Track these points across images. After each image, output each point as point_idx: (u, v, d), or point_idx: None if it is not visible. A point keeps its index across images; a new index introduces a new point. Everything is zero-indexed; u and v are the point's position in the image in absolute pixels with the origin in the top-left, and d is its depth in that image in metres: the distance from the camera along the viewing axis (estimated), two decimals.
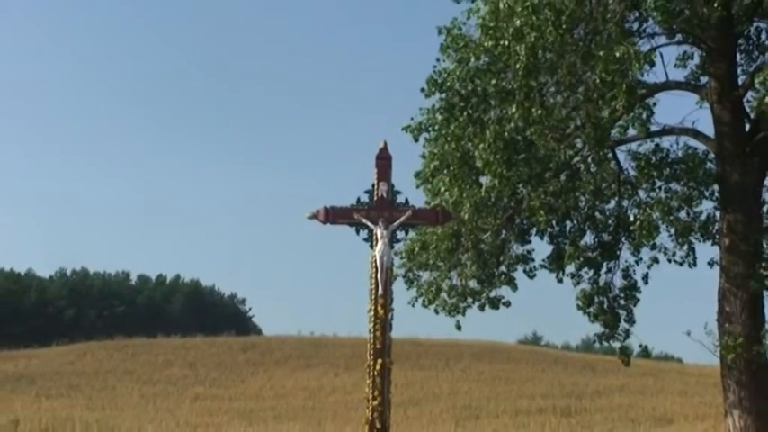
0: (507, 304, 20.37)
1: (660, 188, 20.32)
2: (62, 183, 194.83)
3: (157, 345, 72.90)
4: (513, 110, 18.35)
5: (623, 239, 20.68)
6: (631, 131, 19.24)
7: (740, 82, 19.84)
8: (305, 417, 34.09)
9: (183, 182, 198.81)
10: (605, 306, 20.79)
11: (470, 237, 19.67)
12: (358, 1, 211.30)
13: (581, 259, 20.68)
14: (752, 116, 19.54)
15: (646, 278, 20.78)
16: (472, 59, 18.58)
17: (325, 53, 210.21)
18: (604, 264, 20.85)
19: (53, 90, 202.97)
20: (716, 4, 17.33)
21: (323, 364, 63.38)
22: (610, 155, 20.43)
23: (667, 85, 20.30)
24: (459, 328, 20.67)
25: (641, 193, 20.38)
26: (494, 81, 18.50)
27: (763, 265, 19.40)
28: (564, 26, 17.35)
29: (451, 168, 19.09)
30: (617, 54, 17.18)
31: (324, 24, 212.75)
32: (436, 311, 20.43)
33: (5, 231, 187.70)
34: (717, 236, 20.09)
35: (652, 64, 19.27)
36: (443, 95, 19.18)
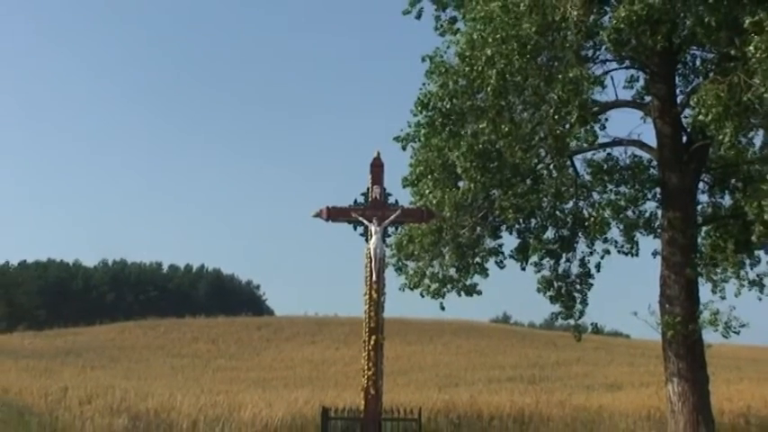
0: (479, 293, 20.38)
1: (611, 191, 20.45)
2: (104, 183, 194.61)
3: (185, 324, 72.71)
4: (486, 125, 18.37)
5: (579, 234, 20.69)
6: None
7: (678, 101, 19.88)
8: (310, 385, 34.01)
9: (206, 183, 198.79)
10: (563, 290, 20.84)
11: (450, 232, 19.66)
12: (366, 27, 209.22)
13: (543, 251, 20.71)
14: (688, 129, 19.58)
15: (598, 267, 20.82)
16: (451, 83, 18.60)
17: (338, 77, 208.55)
18: (563, 255, 20.87)
19: (95, 97, 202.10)
20: (659, 36, 17.36)
21: (326, 340, 63.31)
22: (568, 162, 20.44)
23: (617, 104, 20.36)
24: (443, 308, 20.67)
25: (595, 195, 20.48)
26: (469, 101, 18.50)
27: (698, 255, 19.47)
28: (529, 54, 17.34)
29: (434, 174, 19.11)
30: (571, 76, 17.25)
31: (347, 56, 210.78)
32: (421, 295, 20.41)
33: (58, 228, 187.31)
34: (658, 231, 20.16)
35: (603, 85, 19.34)
36: (428, 113, 19.24)
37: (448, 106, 18.77)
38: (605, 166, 20.45)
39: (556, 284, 20.77)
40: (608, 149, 20.49)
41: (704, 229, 20.66)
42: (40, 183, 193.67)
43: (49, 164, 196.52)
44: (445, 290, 20.19)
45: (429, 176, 19.13)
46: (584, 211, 20.29)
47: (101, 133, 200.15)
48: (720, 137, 16.36)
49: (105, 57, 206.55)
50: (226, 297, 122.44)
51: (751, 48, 15.40)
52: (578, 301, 20.85)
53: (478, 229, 20.00)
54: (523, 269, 20.77)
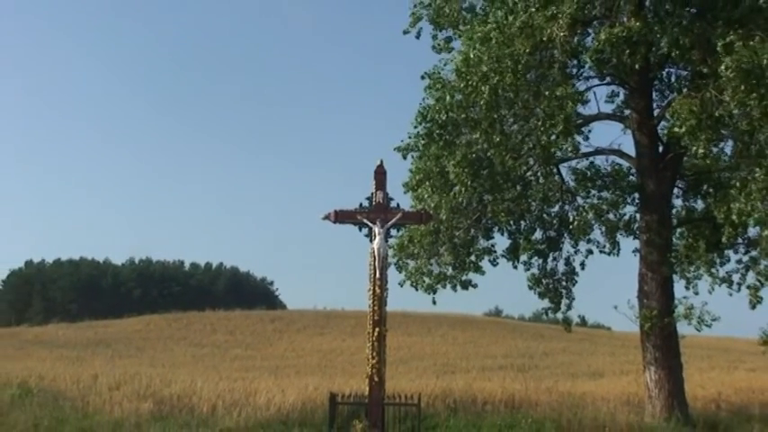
0: (474, 286, 20.41)
1: (593, 196, 20.50)
2: (132, 187, 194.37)
3: (205, 317, 72.61)
4: (479, 135, 18.43)
5: (565, 235, 20.74)
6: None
7: (655, 114, 19.93)
8: (319, 372, 33.99)
9: (225, 188, 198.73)
10: (551, 287, 20.87)
11: (447, 233, 19.68)
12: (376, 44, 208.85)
13: (532, 251, 20.75)
14: (664, 140, 19.65)
15: (582, 265, 20.88)
16: (448, 97, 18.64)
17: (351, 91, 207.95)
18: (551, 254, 20.91)
19: (119, 99, 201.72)
20: (638, 56, 17.42)
21: (333, 331, 63.23)
22: (555, 170, 20.49)
23: (599, 116, 20.41)
24: (434, 302, 20.66)
25: (579, 200, 20.51)
26: (464, 114, 18.53)
27: (673, 254, 19.50)
28: (519, 71, 17.43)
29: (432, 180, 19.12)
30: (557, 93, 17.30)
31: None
32: (415, 289, 20.43)
33: (89, 229, 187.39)
34: (637, 232, 20.20)
35: (586, 101, 19.39)
36: (426, 125, 19.27)
37: (444, 118, 18.81)
38: (588, 174, 20.50)
39: (544, 281, 20.82)
40: (591, 158, 20.59)
41: (678, 230, 20.71)
42: (74, 187, 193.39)
43: (81, 169, 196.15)
44: (438, 286, 20.20)
45: (427, 183, 19.14)
46: (569, 215, 20.34)
47: (130, 140, 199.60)
48: (694, 147, 16.44)
49: (135, 57, 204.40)
50: (242, 292, 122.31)
51: (722, 67, 15.48)
52: (564, 296, 20.90)
53: (473, 230, 20.02)
54: (515, 267, 20.80)
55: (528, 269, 20.86)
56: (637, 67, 17.91)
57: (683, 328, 18.92)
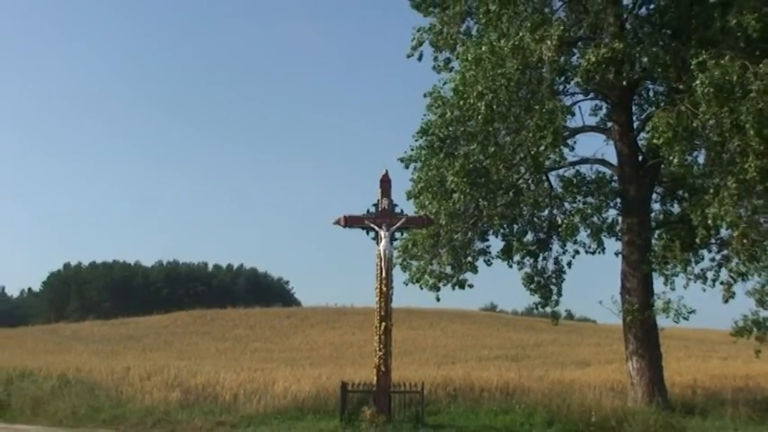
0: (471, 286, 20.35)
1: (579, 201, 20.44)
2: (158, 195, 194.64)
3: (227, 313, 72.58)
4: (475, 147, 18.46)
5: (554, 237, 20.69)
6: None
7: (635, 126, 19.92)
8: (332, 363, 33.93)
9: (245, 196, 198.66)
10: (541, 284, 20.82)
11: (446, 236, 19.66)
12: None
13: (524, 251, 20.72)
14: (643, 150, 19.64)
15: (570, 264, 20.83)
16: (447, 113, 18.66)
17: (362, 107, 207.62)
18: (541, 254, 20.87)
19: (156, 117, 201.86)
20: (623, 74, 17.45)
21: (344, 326, 63.07)
22: (544, 178, 20.47)
23: (584, 129, 20.40)
24: (438, 299, 20.65)
25: (566, 205, 20.46)
26: (462, 128, 18.57)
27: (652, 254, 19.45)
28: (512, 89, 17.46)
29: (433, 188, 19.13)
30: (547, 107, 17.31)
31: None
32: (420, 288, 20.35)
33: (122, 234, 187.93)
34: (619, 234, 20.16)
35: (572, 114, 19.38)
36: (428, 138, 19.29)
37: (444, 132, 18.85)
38: (575, 181, 20.46)
39: (535, 279, 20.77)
40: (577, 167, 20.53)
41: (657, 232, 20.65)
42: (108, 196, 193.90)
43: (116, 180, 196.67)
44: (440, 284, 20.18)
45: (428, 191, 19.15)
46: (558, 218, 20.28)
47: (162, 154, 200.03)
48: (670, 156, 16.42)
49: (151, 61, 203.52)
50: (261, 291, 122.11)
51: (697, 83, 15.52)
52: (554, 292, 20.84)
53: (470, 233, 19.99)
54: (509, 267, 20.77)
55: (521, 268, 20.84)
56: (624, 83, 17.94)
57: (661, 320, 18.91)
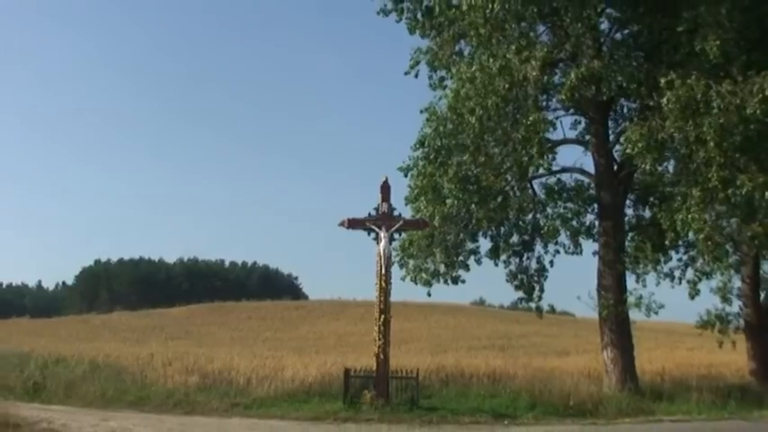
0: (463, 282, 20.36)
1: (560, 206, 20.46)
2: (180, 197, 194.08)
3: (241, 306, 72.69)
4: (467, 157, 18.47)
5: (537, 239, 20.70)
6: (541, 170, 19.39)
7: (611, 139, 19.94)
8: (336, 351, 33.95)
9: (259, 198, 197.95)
10: (525, 281, 20.83)
11: (440, 237, 19.64)
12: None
13: (510, 251, 20.74)
14: (618, 160, 19.63)
15: (551, 263, 20.81)
16: (441, 127, 18.68)
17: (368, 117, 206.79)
18: (525, 254, 20.87)
19: (166, 113, 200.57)
20: (603, 91, 17.49)
21: (347, 318, 63.03)
22: (529, 185, 20.48)
23: (565, 141, 20.38)
24: (429, 294, 20.63)
25: (548, 210, 20.49)
26: (455, 140, 18.58)
27: (625, 254, 19.45)
28: (500, 105, 17.50)
29: (428, 194, 19.14)
30: (532, 118, 17.35)
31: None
32: (415, 283, 20.42)
33: (147, 233, 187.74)
34: (596, 236, 20.15)
35: (554, 127, 19.40)
36: (424, 150, 19.31)
37: (439, 144, 18.86)
38: (556, 188, 20.47)
39: (519, 276, 20.77)
40: (558, 175, 20.52)
41: (630, 235, 20.64)
42: (135, 198, 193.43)
43: (141, 182, 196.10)
44: (434, 281, 20.16)
45: (424, 196, 19.15)
46: (541, 222, 20.31)
47: (180, 157, 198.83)
48: (642, 166, 16.46)
49: (165, 68, 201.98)
50: (272, 286, 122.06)
51: (665, 100, 15.59)
52: (537, 289, 20.84)
53: (461, 235, 19.98)
54: (496, 265, 20.77)
55: (507, 266, 20.83)
56: (603, 99, 17.98)
57: (634, 314, 18.88)
